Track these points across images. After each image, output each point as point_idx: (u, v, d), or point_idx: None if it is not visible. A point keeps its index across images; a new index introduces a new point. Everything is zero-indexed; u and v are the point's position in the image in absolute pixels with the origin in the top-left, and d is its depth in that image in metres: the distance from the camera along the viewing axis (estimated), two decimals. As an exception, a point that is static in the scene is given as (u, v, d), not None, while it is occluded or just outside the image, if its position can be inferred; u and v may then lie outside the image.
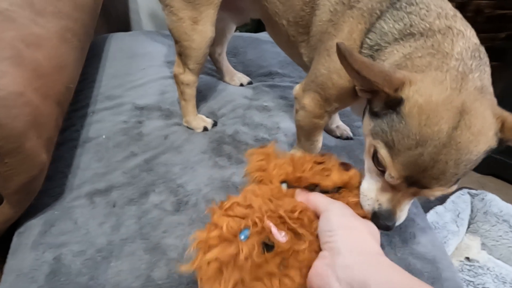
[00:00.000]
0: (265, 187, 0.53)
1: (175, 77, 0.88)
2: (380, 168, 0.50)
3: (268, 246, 0.46)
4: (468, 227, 1.31)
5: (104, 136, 0.84)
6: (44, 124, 0.64)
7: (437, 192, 0.48)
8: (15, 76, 0.58)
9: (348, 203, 0.52)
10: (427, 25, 0.52)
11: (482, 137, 0.45)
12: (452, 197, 1.29)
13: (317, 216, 0.50)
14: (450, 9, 0.54)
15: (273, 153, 0.59)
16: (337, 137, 0.93)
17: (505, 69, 1.64)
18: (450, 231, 1.21)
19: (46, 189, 0.71)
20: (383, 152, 0.48)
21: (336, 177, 0.54)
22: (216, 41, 0.98)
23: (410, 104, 0.45)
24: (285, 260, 0.46)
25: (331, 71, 0.63)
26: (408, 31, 0.53)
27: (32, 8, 0.70)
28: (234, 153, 0.82)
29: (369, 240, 0.45)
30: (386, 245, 0.67)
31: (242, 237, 0.46)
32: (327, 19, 0.65)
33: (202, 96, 0.99)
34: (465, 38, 0.50)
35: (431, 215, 1.22)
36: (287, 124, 0.92)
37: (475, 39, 0.52)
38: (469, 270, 1.21)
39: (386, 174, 0.49)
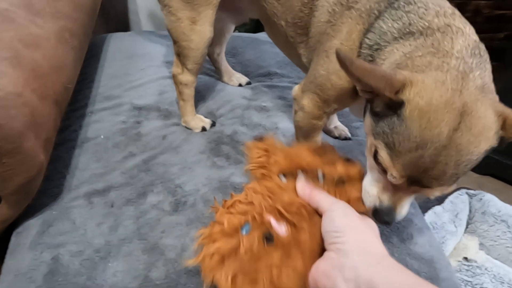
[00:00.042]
0: (265, 183, 0.55)
1: (173, 77, 0.88)
2: (381, 167, 0.51)
3: (269, 239, 0.48)
4: (466, 227, 1.32)
5: (102, 136, 0.84)
6: (43, 124, 0.65)
7: (438, 191, 0.49)
8: (14, 76, 0.58)
9: (350, 198, 0.54)
10: (426, 24, 0.52)
11: (482, 137, 0.45)
12: (450, 198, 1.30)
13: (317, 212, 0.51)
14: (448, 7, 0.54)
15: (272, 147, 0.60)
16: (336, 138, 0.94)
17: (504, 69, 1.64)
18: (448, 231, 1.22)
19: (45, 189, 0.71)
20: (384, 154, 0.49)
21: (341, 168, 0.56)
22: (215, 41, 0.99)
23: (411, 107, 0.45)
24: (287, 251, 0.47)
25: (330, 72, 0.63)
26: (407, 30, 0.53)
27: (31, 9, 0.70)
28: (232, 153, 0.82)
29: (375, 241, 0.46)
30: (384, 245, 0.67)
31: (244, 231, 0.49)
32: (325, 20, 0.65)
33: (200, 96, 0.99)
34: (465, 36, 0.50)
35: (430, 215, 1.22)
36: (286, 125, 0.92)
37: (474, 36, 0.51)
38: (467, 270, 1.21)
39: (388, 174, 0.49)
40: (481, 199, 1.30)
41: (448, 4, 0.55)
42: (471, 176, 1.67)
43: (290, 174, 0.56)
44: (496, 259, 1.25)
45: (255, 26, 1.72)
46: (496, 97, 0.49)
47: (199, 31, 0.79)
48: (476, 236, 1.30)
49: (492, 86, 0.49)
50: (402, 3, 0.55)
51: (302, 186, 0.53)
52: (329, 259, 0.45)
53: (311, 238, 0.49)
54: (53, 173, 0.74)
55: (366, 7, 0.59)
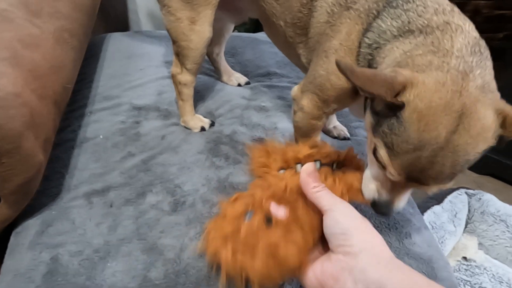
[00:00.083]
0: (266, 177, 0.61)
1: (172, 77, 0.88)
2: (380, 163, 0.51)
3: (270, 221, 0.52)
4: (465, 227, 1.32)
5: (101, 136, 0.84)
6: (42, 124, 0.65)
7: (435, 188, 0.50)
8: (13, 76, 0.58)
9: (349, 187, 0.56)
10: (425, 22, 0.52)
11: (481, 138, 0.45)
12: (449, 197, 1.30)
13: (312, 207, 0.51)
14: (447, 4, 0.54)
15: (272, 147, 0.65)
16: (334, 138, 0.94)
17: (504, 69, 1.65)
18: (447, 231, 1.22)
19: (44, 189, 0.71)
20: (383, 152, 0.50)
21: (337, 155, 0.61)
22: (214, 41, 0.99)
23: (410, 110, 0.46)
24: (287, 228, 0.51)
25: (330, 72, 0.63)
26: (407, 28, 0.53)
27: (29, 9, 0.71)
28: (231, 153, 0.82)
29: (381, 243, 0.46)
30: (383, 245, 0.67)
31: (247, 219, 0.53)
32: (324, 20, 0.65)
33: (199, 96, 1.00)
34: (464, 33, 0.50)
35: (429, 215, 1.22)
36: (285, 125, 0.92)
37: (474, 33, 0.51)
38: (466, 269, 1.22)
39: (386, 171, 0.50)
40: (480, 198, 1.30)
41: (446, 2, 0.55)
42: (470, 175, 1.67)
43: (289, 168, 0.60)
44: (495, 258, 1.26)
45: (255, 26, 1.72)
46: (497, 95, 0.48)
47: (198, 31, 0.79)
48: (475, 235, 1.30)
49: (493, 84, 0.49)
50: (400, 2, 0.55)
51: (305, 179, 0.52)
52: (337, 261, 0.45)
53: (308, 213, 0.52)
54: (52, 173, 0.75)
55: (365, 7, 0.59)
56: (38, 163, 0.63)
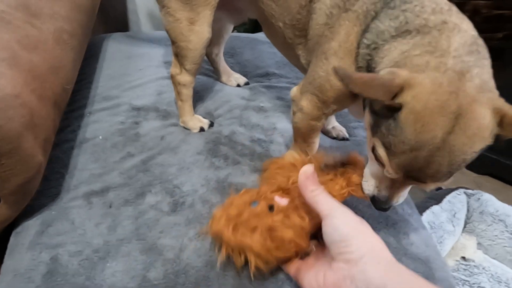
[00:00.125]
0: (275, 176, 0.65)
1: (172, 77, 0.88)
2: (379, 161, 0.52)
3: (272, 208, 0.57)
4: (464, 226, 1.32)
5: (101, 137, 0.84)
6: (41, 125, 0.65)
7: (433, 185, 0.50)
8: (11, 77, 0.58)
9: (350, 182, 0.59)
10: (423, 21, 0.52)
11: (477, 138, 0.46)
12: (448, 197, 1.30)
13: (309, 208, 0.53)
14: (445, 3, 0.54)
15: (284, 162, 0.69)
16: (333, 138, 0.94)
17: (503, 69, 1.65)
18: (446, 231, 1.22)
19: (43, 189, 0.71)
20: (381, 152, 0.50)
21: (341, 157, 0.65)
22: (213, 42, 0.99)
23: (407, 111, 0.46)
24: (286, 213, 0.56)
25: (329, 73, 0.63)
26: (404, 28, 0.53)
27: (28, 10, 0.71)
28: (230, 154, 0.82)
29: (381, 247, 0.46)
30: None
31: (252, 207, 0.58)
32: (323, 22, 0.65)
33: (199, 97, 1.00)
34: (462, 32, 0.50)
35: (427, 215, 1.23)
36: (284, 125, 0.92)
37: (472, 32, 0.51)
38: (464, 269, 1.22)
39: (384, 170, 0.51)
40: (479, 198, 1.31)
41: (444, 1, 0.55)
42: (469, 175, 1.68)
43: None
44: (493, 258, 1.26)
45: (254, 26, 1.72)
46: (496, 93, 0.48)
47: (198, 32, 0.79)
48: (474, 235, 1.30)
49: (491, 83, 0.49)
50: (398, 2, 0.55)
51: (303, 181, 0.53)
52: (339, 270, 0.45)
53: (306, 203, 0.55)
54: (51, 173, 0.75)
55: (363, 8, 0.59)
56: (38, 163, 0.63)
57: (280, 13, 0.74)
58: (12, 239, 0.66)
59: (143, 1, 1.66)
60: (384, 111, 0.49)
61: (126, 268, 0.60)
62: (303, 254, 0.57)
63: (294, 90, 0.75)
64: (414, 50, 0.50)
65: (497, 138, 0.48)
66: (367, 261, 0.43)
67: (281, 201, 0.58)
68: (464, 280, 1.19)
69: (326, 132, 0.95)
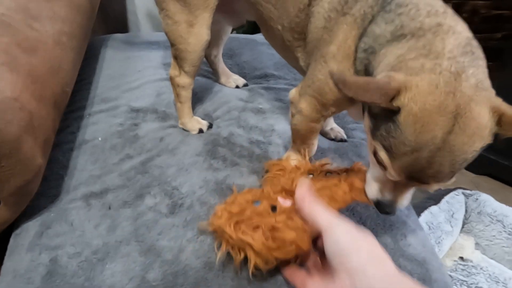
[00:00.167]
0: (278, 178, 0.66)
1: (171, 79, 0.88)
2: (381, 165, 0.52)
3: (275, 209, 0.58)
4: (462, 227, 1.33)
5: (100, 139, 0.85)
6: (41, 127, 0.65)
7: (436, 186, 0.51)
8: (11, 81, 0.58)
9: (353, 187, 0.59)
10: (418, 25, 0.52)
11: (477, 137, 0.46)
12: (446, 198, 1.31)
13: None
14: (440, 6, 0.54)
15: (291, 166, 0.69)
16: (332, 140, 0.94)
17: (502, 69, 1.65)
18: (444, 231, 1.23)
19: (43, 190, 0.71)
20: (382, 154, 0.51)
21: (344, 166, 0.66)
22: (212, 43, 0.99)
23: (405, 113, 0.46)
24: (289, 216, 0.55)
25: (328, 76, 0.63)
26: (400, 32, 0.53)
27: (27, 13, 0.71)
28: (228, 155, 0.83)
29: (384, 257, 0.45)
30: (378, 247, 0.68)
31: (255, 205, 0.58)
32: (322, 26, 0.65)
33: (197, 98, 1.00)
34: (456, 34, 0.50)
35: (426, 215, 1.23)
36: (282, 126, 0.93)
37: (466, 33, 0.52)
38: (462, 269, 1.23)
39: (387, 172, 0.52)
40: (477, 199, 1.31)
41: (440, 3, 0.55)
42: (467, 176, 1.68)
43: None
44: (491, 258, 1.27)
45: (253, 27, 1.73)
46: (492, 92, 0.49)
47: (197, 34, 0.80)
48: (472, 236, 1.31)
49: (487, 82, 0.49)
50: (393, 6, 0.56)
51: (301, 195, 0.53)
52: (341, 281, 0.45)
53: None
54: (51, 174, 0.75)
55: (360, 12, 0.59)
56: (37, 165, 0.63)
57: (278, 16, 0.74)
58: (12, 241, 0.66)
59: (142, 2, 1.66)
60: (383, 114, 0.49)
61: (125, 269, 0.60)
62: (302, 258, 0.56)
63: (293, 92, 0.75)
64: (409, 53, 0.51)
65: (496, 137, 0.48)
66: (370, 273, 0.43)
67: (284, 202, 0.58)
68: (462, 280, 1.19)
69: (324, 134, 0.95)
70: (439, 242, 1.21)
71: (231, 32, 1.08)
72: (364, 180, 0.59)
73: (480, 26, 2.07)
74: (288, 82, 1.11)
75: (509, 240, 1.24)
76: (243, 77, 1.12)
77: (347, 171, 0.64)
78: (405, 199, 0.56)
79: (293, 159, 0.78)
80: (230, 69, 1.12)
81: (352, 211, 0.73)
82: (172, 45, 0.83)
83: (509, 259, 1.24)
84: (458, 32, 0.51)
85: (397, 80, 0.47)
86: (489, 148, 0.48)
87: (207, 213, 0.69)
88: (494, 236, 1.28)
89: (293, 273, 0.56)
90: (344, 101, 0.65)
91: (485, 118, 0.46)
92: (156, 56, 1.17)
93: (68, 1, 0.88)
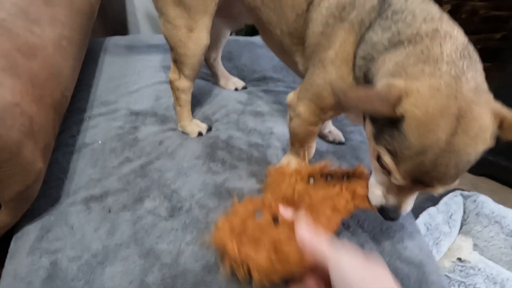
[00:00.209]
0: (280, 185, 0.64)
1: (170, 83, 0.89)
2: (385, 169, 0.52)
3: (276, 220, 0.56)
4: (460, 228, 1.33)
5: (100, 142, 0.85)
6: (41, 132, 0.66)
7: (441, 189, 0.51)
8: (11, 86, 0.59)
9: (356, 194, 0.58)
10: (415, 31, 0.52)
11: (479, 139, 0.47)
12: (444, 199, 1.31)
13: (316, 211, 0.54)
14: (436, 11, 0.55)
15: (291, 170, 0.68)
16: (330, 142, 0.95)
17: (501, 69, 1.66)
18: (442, 232, 1.23)
19: (43, 194, 0.72)
20: (387, 159, 0.50)
21: (346, 169, 0.64)
22: (211, 46, 0.99)
23: (409, 119, 0.47)
24: (290, 226, 0.53)
25: (327, 81, 0.64)
26: (397, 39, 0.54)
27: (28, 18, 0.72)
28: (228, 158, 0.83)
29: (392, 285, 0.43)
30: (375, 250, 0.68)
31: (256, 217, 0.57)
32: (320, 31, 0.66)
33: (196, 101, 1.01)
34: (453, 39, 0.51)
35: (424, 217, 1.24)
36: (281, 129, 0.93)
37: (463, 38, 0.52)
38: (460, 270, 1.23)
39: (391, 176, 0.51)
40: (475, 200, 1.32)
41: (436, 9, 0.56)
42: (466, 177, 1.69)
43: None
44: (489, 259, 1.27)
45: (252, 29, 1.73)
46: (491, 96, 0.49)
47: (196, 39, 0.80)
48: (470, 237, 1.32)
49: (485, 86, 0.50)
50: (390, 13, 0.56)
51: (302, 232, 0.50)
52: None
53: (310, 212, 0.56)
54: (51, 178, 0.76)
55: (358, 18, 0.60)
56: (38, 170, 0.64)
57: (277, 21, 0.75)
58: (12, 244, 0.67)
59: (142, 3, 1.67)
60: (385, 120, 0.49)
61: (125, 272, 0.61)
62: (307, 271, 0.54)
63: (291, 96, 0.75)
64: (408, 60, 0.51)
65: (497, 140, 0.49)
66: None
67: (286, 212, 0.57)
68: (460, 281, 1.20)
69: (322, 136, 0.96)
70: (437, 243, 1.21)
71: (230, 35, 1.08)
72: (366, 187, 0.58)
73: (479, 27, 2.08)
74: (287, 85, 1.12)
75: (506, 241, 1.25)
76: (242, 79, 1.12)
77: (348, 174, 0.63)
78: (409, 205, 0.56)
79: (293, 164, 0.78)
80: (229, 71, 1.12)
81: (350, 216, 0.73)
82: (172, 49, 0.83)
83: (507, 260, 1.25)
84: (455, 37, 0.51)
85: (398, 87, 0.47)
86: (488, 149, 0.49)
87: (206, 216, 0.70)
88: (492, 237, 1.28)
89: None
90: (342, 105, 0.65)
91: (486, 120, 0.47)
92: (156, 59, 1.17)
93: (68, 5, 0.88)
